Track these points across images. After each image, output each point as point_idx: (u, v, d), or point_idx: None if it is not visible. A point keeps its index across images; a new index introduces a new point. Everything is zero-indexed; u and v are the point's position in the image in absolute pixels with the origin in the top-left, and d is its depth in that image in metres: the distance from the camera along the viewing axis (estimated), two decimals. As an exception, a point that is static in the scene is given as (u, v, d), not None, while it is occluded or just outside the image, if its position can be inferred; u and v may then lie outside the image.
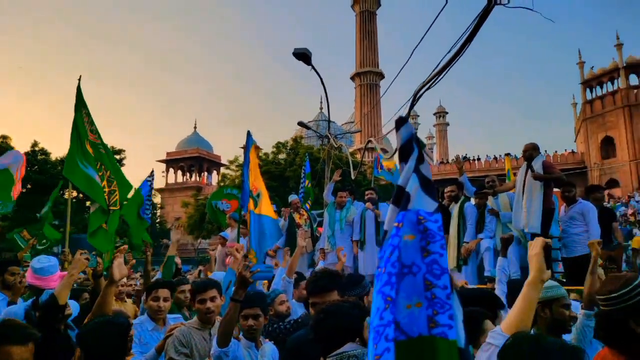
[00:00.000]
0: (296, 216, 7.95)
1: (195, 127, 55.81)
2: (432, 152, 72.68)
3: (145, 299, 3.56)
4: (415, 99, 5.95)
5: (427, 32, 5.57)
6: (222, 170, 36.18)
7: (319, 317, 1.88)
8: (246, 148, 5.15)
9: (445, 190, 6.70)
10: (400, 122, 1.20)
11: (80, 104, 6.23)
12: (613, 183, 35.89)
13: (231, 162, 27.09)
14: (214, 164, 53.76)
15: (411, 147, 1.21)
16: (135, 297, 6.18)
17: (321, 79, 12.06)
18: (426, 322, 1.01)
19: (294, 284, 4.28)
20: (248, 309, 2.84)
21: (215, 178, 50.38)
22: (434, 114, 66.69)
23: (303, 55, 10.74)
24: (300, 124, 16.26)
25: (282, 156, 26.66)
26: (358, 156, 30.10)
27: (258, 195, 5.28)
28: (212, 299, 2.92)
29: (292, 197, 8.45)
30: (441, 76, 5.30)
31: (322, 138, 17.34)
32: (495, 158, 40.49)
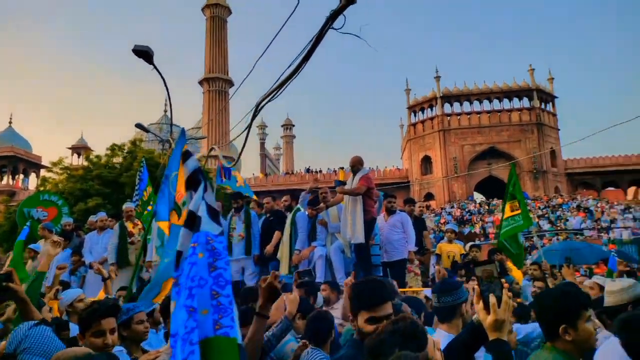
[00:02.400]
0: (129, 225, 7.36)
1: (10, 122, 47.99)
2: (279, 162, 74.57)
3: (79, 333, 2.53)
4: (257, 110, 6.03)
5: (270, 43, 5.70)
6: (43, 172, 31.61)
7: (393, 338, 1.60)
8: (177, 146, 4.35)
9: (282, 200, 6.88)
10: (186, 156, 1.45)
11: None
12: (430, 196, 41.46)
13: (54, 164, 23.59)
14: (32, 165, 46.79)
15: (198, 178, 1.48)
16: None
17: (164, 80, 11.44)
18: (212, 325, 1.22)
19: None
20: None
21: (33, 182, 43.90)
22: (282, 126, 68.90)
23: (144, 53, 10.05)
24: (138, 125, 15.09)
25: (117, 160, 24.38)
26: (204, 163, 29.22)
27: (184, 204, 4.51)
28: (112, 331, 2.38)
29: (127, 205, 7.79)
30: (281, 91, 5.42)
31: (163, 142, 16.39)
32: (335, 171, 43.46)
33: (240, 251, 6.77)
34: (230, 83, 51.16)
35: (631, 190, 41.97)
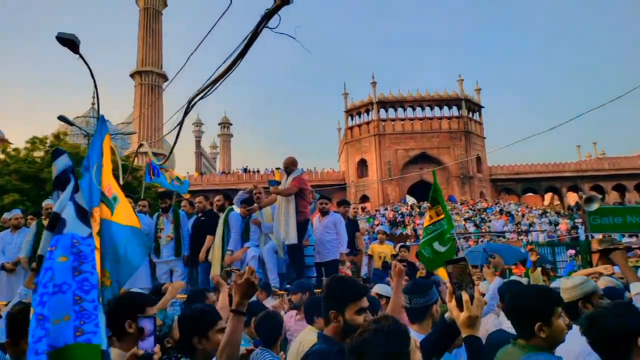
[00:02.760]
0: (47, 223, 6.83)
1: None
2: (215, 161, 72.95)
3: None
4: (189, 106, 5.86)
5: (203, 38, 5.55)
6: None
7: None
8: (96, 135, 3.77)
9: (215, 200, 6.73)
10: (57, 154, 1.38)
11: None
12: (365, 198, 42.44)
13: None
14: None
15: (67, 177, 1.43)
16: None
17: (90, 70, 10.81)
18: (73, 332, 1.18)
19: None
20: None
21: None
22: (219, 124, 67.42)
23: (69, 42, 9.45)
24: (61, 118, 14.14)
25: (38, 154, 22.67)
26: (133, 159, 27.87)
27: (115, 199, 3.76)
28: None
29: (47, 202, 7.24)
30: (214, 87, 5.28)
31: (89, 137, 15.49)
32: (272, 172, 43.18)
33: (168, 253, 6.56)
34: (164, 77, 49.33)
35: (548, 195, 45.54)
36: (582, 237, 24.97)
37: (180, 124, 6.54)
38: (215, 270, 6.07)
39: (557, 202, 44.09)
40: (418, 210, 35.14)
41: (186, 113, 6.39)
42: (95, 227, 3.50)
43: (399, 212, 35.29)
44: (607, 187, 43.02)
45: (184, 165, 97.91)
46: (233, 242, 6.27)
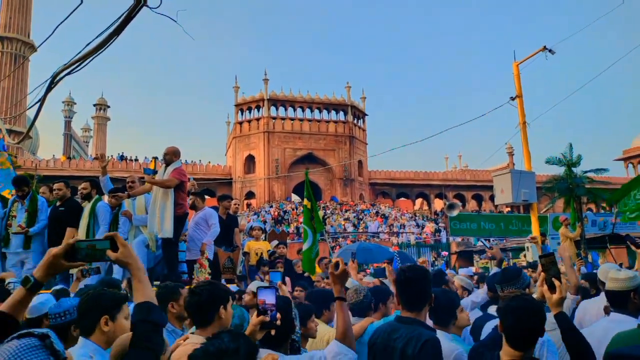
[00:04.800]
0: None
1: None
2: (87, 145, 66.62)
3: None
4: (53, 80, 5.22)
5: (76, 8, 4.98)
6: None
7: None
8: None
9: (79, 188, 6.13)
10: None
11: None
12: (251, 195, 42.12)
13: None
14: None
15: None
16: None
17: None
18: None
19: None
20: None
21: None
22: (95, 105, 61.43)
23: None
24: None
25: None
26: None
27: None
28: None
29: None
30: (84, 63, 4.80)
31: None
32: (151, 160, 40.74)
33: (19, 243, 5.88)
34: (33, 48, 43.74)
35: (418, 201, 49.63)
36: (444, 240, 27.80)
37: (42, 99, 5.82)
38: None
39: (425, 207, 48.29)
40: (302, 209, 35.85)
41: (49, 88, 5.70)
42: None
43: (284, 209, 35.69)
44: (467, 196, 48.29)
45: (49, 148, 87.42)
46: (101, 235, 5.67)
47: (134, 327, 1.51)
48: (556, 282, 2.14)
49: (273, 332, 1.96)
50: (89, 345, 2.01)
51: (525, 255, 10.34)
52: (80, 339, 2.06)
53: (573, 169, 15.13)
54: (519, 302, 1.92)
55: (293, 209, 35.00)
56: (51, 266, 1.53)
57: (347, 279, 2.34)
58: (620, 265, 7.41)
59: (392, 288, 3.55)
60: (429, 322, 2.47)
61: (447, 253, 23.52)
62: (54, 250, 1.53)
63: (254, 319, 1.94)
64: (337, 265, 2.24)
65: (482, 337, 2.71)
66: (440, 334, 2.31)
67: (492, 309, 3.19)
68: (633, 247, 4.36)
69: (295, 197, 41.57)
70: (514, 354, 1.88)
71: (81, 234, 5.71)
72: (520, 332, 1.89)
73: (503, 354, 1.93)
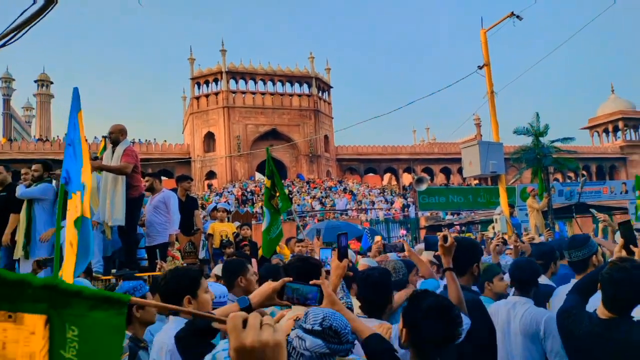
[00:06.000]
0: None
1: None
2: (30, 126, 61.75)
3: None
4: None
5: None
6: None
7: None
8: (72, 109, 3.26)
9: (30, 169, 5.64)
10: None
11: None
12: (212, 175, 39.95)
13: None
14: None
15: None
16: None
17: None
18: None
19: None
20: None
21: None
22: (36, 81, 56.37)
23: None
24: None
25: None
26: None
27: (83, 187, 3.16)
28: None
29: None
30: (19, 35, 4.17)
31: None
32: (101, 140, 37.70)
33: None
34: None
35: (387, 176, 48.85)
36: (413, 215, 27.12)
37: None
38: (18, 254, 5.33)
39: (394, 182, 47.59)
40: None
41: None
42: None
43: (247, 189, 33.93)
44: (436, 170, 47.91)
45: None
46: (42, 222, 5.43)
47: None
48: (634, 249, 2.40)
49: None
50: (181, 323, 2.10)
51: (493, 227, 10.41)
52: (172, 318, 2.40)
53: (540, 138, 15.12)
54: (621, 274, 2.00)
55: (257, 188, 33.21)
56: (268, 298, 1.69)
57: (453, 251, 2.43)
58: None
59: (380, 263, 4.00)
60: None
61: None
62: (273, 284, 1.68)
63: (336, 262, 2.22)
64: (445, 238, 2.40)
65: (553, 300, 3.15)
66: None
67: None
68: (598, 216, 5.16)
69: (259, 176, 39.71)
70: (611, 315, 2.06)
71: (22, 218, 5.35)
72: (620, 302, 2.05)
73: (600, 313, 2.11)
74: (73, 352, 0.71)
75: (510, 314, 2.92)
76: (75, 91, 3.45)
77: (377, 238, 7.35)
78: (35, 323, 0.69)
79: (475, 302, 2.50)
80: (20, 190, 5.33)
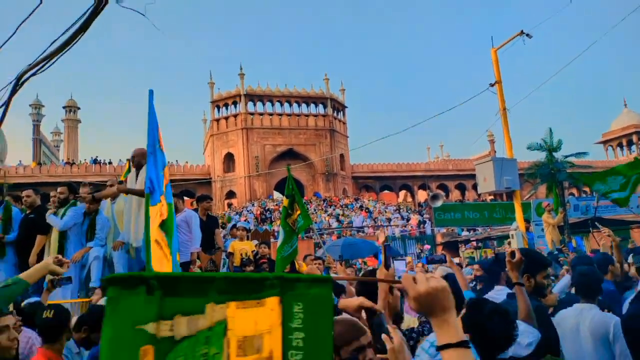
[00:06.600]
0: None
1: None
2: (58, 150, 64.32)
3: None
4: (18, 82, 4.57)
5: (37, 7, 4.36)
6: None
7: None
8: (150, 113, 3.55)
9: (57, 192, 5.67)
10: None
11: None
12: (232, 194, 41.23)
13: None
14: None
15: None
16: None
17: None
18: None
19: None
20: None
21: None
22: (64, 107, 59.06)
23: None
24: None
25: None
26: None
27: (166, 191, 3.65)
28: None
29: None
30: (50, 63, 4.29)
31: None
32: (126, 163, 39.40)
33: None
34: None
35: (402, 193, 49.53)
36: (429, 231, 27.62)
37: (7, 102, 5.18)
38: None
39: (409, 199, 48.25)
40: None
41: (14, 90, 5.06)
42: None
43: (266, 208, 35.00)
44: (450, 186, 48.40)
45: (17, 154, 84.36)
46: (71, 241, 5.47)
47: None
48: None
49: None
50: None
51: (509, 243, 10.38)
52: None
53: (554, 154, 15.18)
54: None
55: (276, 207, 34.30)
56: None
57: (521, 267, 2.55)
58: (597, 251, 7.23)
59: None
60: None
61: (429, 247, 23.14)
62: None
63: (383, 271, 2.13)
64: (512, 254, 2.50)
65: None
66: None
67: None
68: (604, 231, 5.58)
69: (277, 195, 40.86)
70: None
71: (53, 241, 5.39)
72: None
73: None
74: (299, 322, 0.96)
75: (579, 320, 3.05)
76: (151, 94, 3.47)
77: (409, 259, 7.09)
78: (273, 303, 0.96)
79: (539, 309, 2.59)
80: (58, 223, 5.37)
